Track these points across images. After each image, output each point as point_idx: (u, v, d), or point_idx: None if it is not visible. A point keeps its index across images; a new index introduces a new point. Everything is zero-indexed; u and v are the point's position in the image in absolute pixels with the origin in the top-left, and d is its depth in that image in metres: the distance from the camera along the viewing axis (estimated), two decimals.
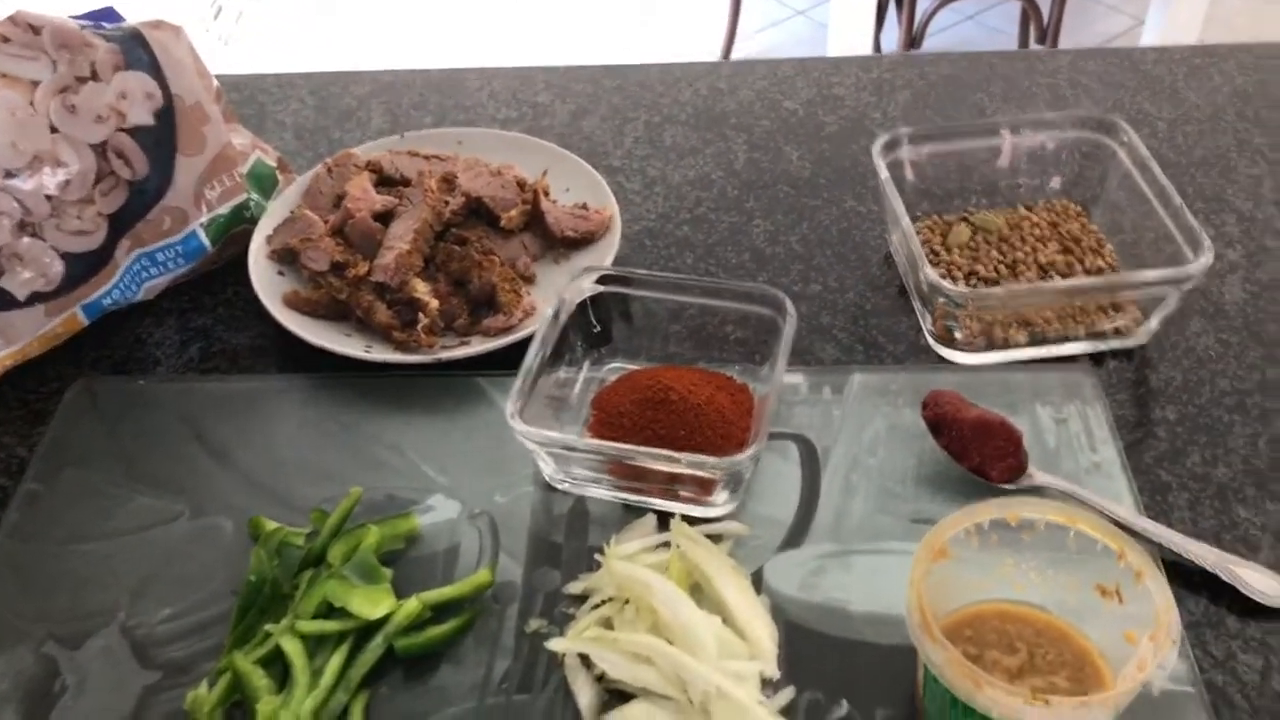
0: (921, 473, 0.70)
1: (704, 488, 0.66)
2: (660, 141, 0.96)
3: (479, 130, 0.91)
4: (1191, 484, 0.69)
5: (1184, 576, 0.64)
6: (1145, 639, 0.52)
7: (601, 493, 0.68)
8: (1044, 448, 0.71)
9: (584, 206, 0.83)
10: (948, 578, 0.57)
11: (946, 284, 0.72)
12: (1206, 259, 0.72)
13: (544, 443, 0.66)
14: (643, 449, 0.64)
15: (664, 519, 0.66)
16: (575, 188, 0.86)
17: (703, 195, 0.91)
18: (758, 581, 0.64)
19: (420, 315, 0.75)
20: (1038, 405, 0.73)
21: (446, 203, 0.79)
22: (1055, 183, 0.85)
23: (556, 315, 0.71)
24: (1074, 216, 0.84)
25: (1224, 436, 0.72)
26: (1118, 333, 0.77)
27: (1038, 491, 0.68)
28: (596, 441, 0.68)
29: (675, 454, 0.63)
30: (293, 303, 0.78)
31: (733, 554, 0.65)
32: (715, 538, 0.66)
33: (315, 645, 0.60)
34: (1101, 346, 0.77)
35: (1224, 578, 0.64)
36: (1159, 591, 0.53)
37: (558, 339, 0.71)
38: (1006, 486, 0.68)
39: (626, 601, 0.61)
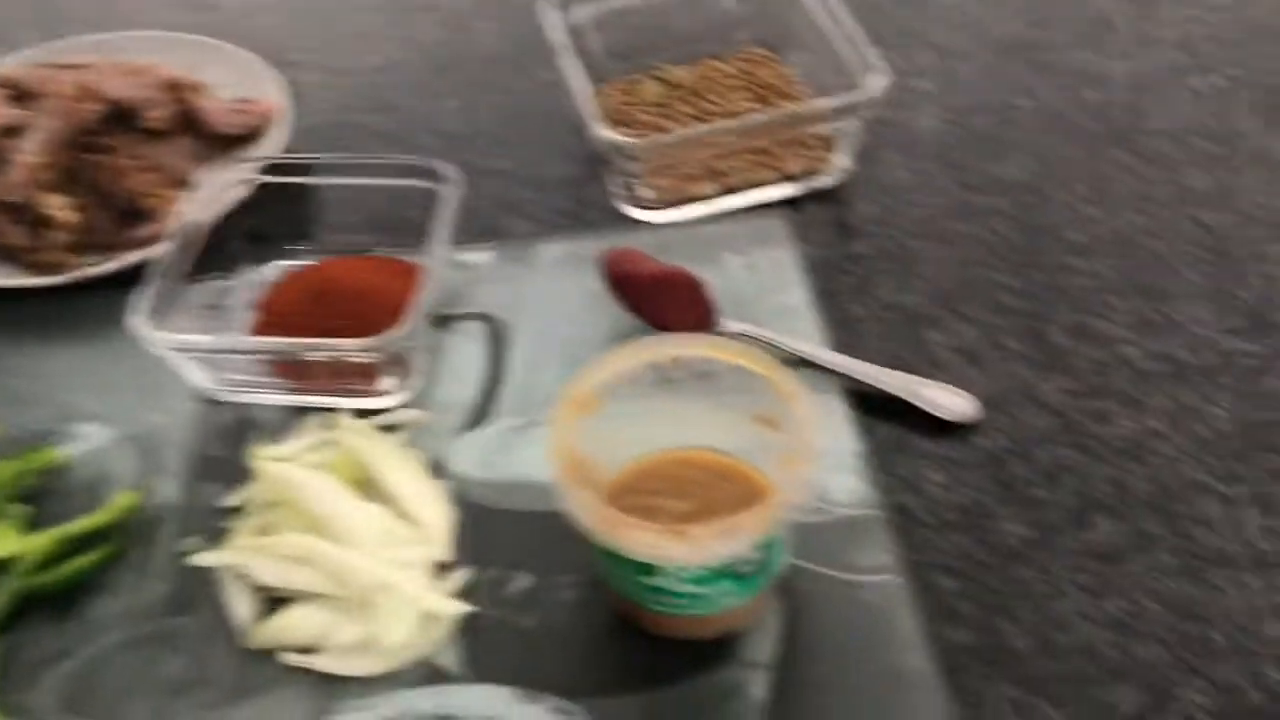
0: (613, 337, 0.67)
1: (368, 376, 0.62)
2: (342, 29, 0.90)
3: (127, 34, 0.83)
4: (883, 314, 0.68)
5: (874, 405, 0.63)
6: (794, 463, 0.50)
7: (267, 398, 0.64)
8: (736, 296, 0.68)
9: (247, 101, 0.77)
10: (610, 432, 0.54)
11: (619, 138, 0.69)
12: (879, 82, 0.70)
13: (180, 348, 0.60)
14: (280, 340, 0.60)
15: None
16: (241, 84, 0.79)
17: (389, 80, 0.85)
18: (439, 467, 0.61)
19: (56, 233, 0.68)
20: (729, 255, 0.71)
21: (83, 110, 0.72)
22: (744, 30, 0.82)
23: (200, 215, 0.66)
24: (766, 63, 0.82)
25: (915, 264, 0.71)
26: (810, 174, 0.75)
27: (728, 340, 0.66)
28: (228, 337, 0.63)
29: (319, 340, 0.59)
30: None
31: (412, 443, 0.61)
32: (392, 428, 0.62)
33: None
34: (796, 190, 0.75)
35: (910, 400, 0.63)
36: (806, 414, 0.51)
37: (210, 241, 0.66)
38: None
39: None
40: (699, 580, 0.49)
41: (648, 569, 0.49)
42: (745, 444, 0.55)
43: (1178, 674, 0.52)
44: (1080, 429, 0.62)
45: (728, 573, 0.49)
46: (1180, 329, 0.67)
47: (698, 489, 0.55)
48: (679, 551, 0.47)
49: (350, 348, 0.59)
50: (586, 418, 0.53)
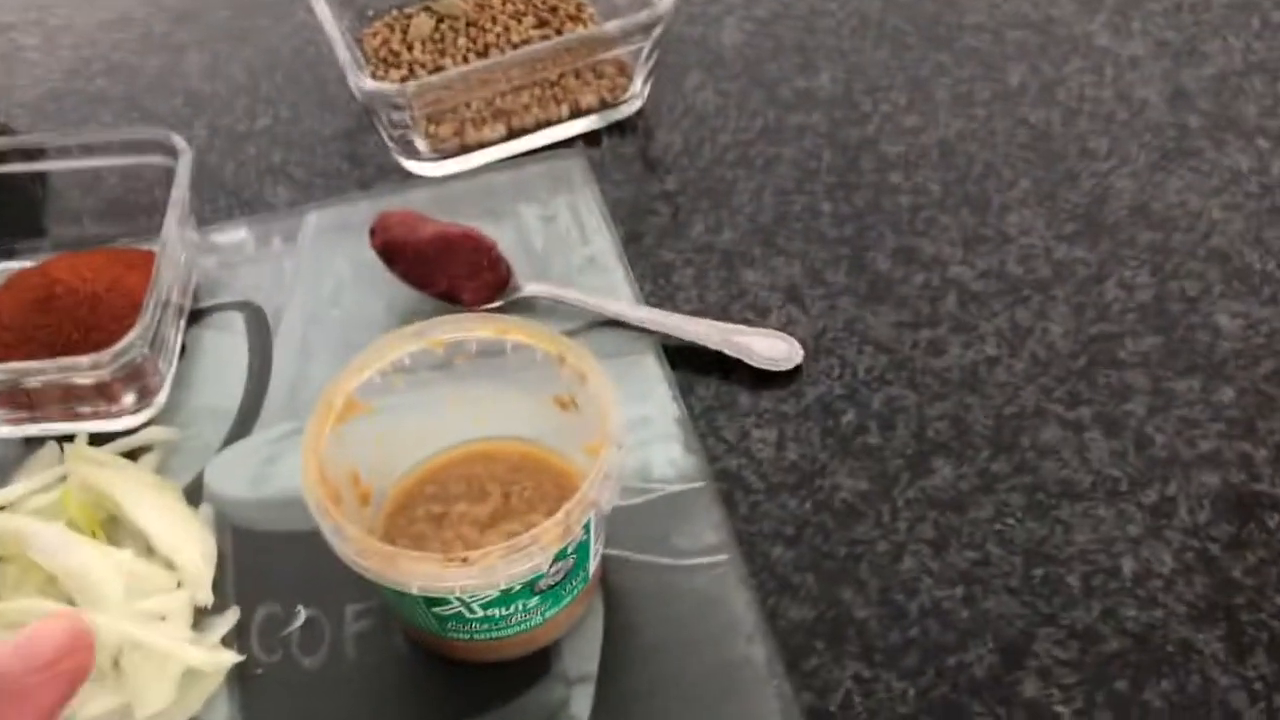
0: (393, 314, 0.59)
1: (106, 395, 0.53)
2: None
3: None
4: (696, 257, 0.62)
5: (693, 361, 0.57)
6: (593, 454, 0.44)
7: None
8: (531, 252, 0.61)
9: None
10: (389, 433, 0.47)
11: (377, 85, 0.60)
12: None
13: None
14: None
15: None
16: None
17: (122, 37, 0.74)
18: (196, 490, 0.52)
19: None
20: (522, 205, 0.63)
21: None
22: None
23: None
24: None
25: (728, 197, 0.64)
26: (607, 105, 0.68)
27: (527, 304, 0.59)
28: None
29: (29, 364, 0.49)
30: None
31: (164, 466, 0.53)
32: (139, 452, 0.53)
33: None
34: (593, 124, 0.68)
35: (731, 352, 0.57)
36: (603, 392, 0.45)
37: None
38: (489, 307, 0.59)
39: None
40: (496, 603, 0.42)
41: (436, 600, 0.42)
42: (549, 429, 0.49)
43: (1032, 626, 0.48)
44: (912, 364, 0.57)
45: (527, 590, 0.43)
46: (1011, 242, 0.62)
47: (495, 487, 0.48)
48: (464, 580, 0.40)
49: (71, 367, 0.50)
50: (355, 423, 0.45)
